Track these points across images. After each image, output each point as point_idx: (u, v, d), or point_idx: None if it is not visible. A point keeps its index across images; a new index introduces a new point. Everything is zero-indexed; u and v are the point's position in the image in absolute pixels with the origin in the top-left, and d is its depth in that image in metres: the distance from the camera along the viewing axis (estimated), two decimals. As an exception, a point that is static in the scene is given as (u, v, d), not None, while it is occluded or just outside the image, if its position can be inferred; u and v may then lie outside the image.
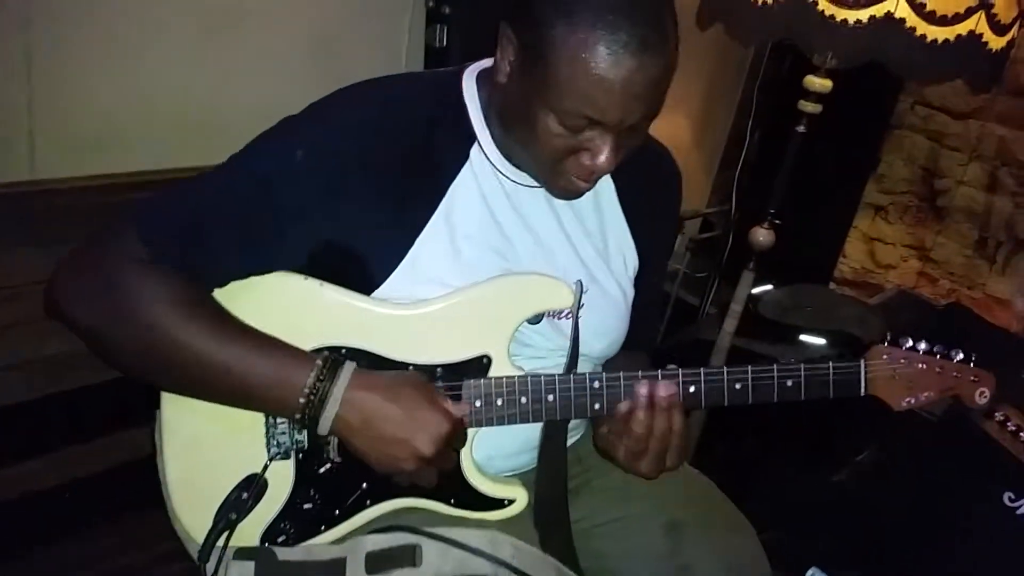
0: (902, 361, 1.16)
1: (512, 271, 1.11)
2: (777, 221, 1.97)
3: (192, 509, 1.07)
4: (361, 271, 1.06)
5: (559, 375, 1.10)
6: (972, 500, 1.74)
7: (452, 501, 1.12)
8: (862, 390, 1.16)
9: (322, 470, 1.07)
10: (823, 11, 1.52)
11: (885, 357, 1.16)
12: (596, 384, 1.09)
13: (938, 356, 1.17)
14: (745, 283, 2.05)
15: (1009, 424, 1.20)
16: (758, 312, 2.29)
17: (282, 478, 1.07)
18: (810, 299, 2.40)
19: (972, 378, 1.17)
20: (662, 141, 1.27)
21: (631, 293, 1.24)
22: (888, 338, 1.17)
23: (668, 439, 1.08)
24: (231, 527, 1.03)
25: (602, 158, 1.00)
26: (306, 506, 1.09)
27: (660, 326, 1.46)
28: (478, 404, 1.08)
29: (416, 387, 1.02)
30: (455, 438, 1.04)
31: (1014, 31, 1.60)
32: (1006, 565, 1.65)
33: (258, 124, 1.07)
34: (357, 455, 1.02)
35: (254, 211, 1.01)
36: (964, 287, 2.76)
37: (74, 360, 1.39)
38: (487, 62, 1.14)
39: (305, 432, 1.07)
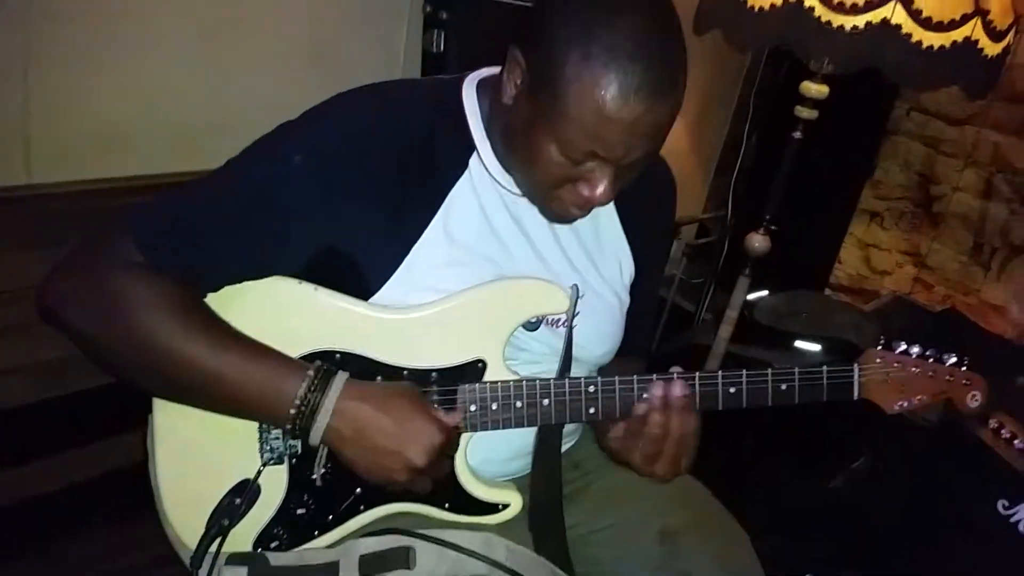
0: (895, 365, 1.16)
1: (507, 276, 1.11)
2: (773, 227, 1.97)
3: (184, 515, 1.06)
4: (357, 277, 1.06)
5: (554, 379, 1.10)
6: (966, 508, 1.74)
7: (447, 506, 1.12)
8: (855, 394, 1.17)
9: (315, 476, 1.07)
10: (820, 17, 1.52)
11: (878, 361, 1.17)
12: (591, 388, 1.09)
13: (931, 360, 1.18)
14: (741, 289, 2.05)
15: (1003, 432, 1.21)
16: (754, 318, 2.29)
17: (275, 483, 1.07)
18: (806, 305, 2.41)
19: (964, 381, 1.17)
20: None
21: (626, 300, 1.24)
22: (882, 342, 1.17)
23: (684, 441, 1.08)
24: (224, 533, 1.02)
25: (600, 190, 1.00)
26: (299, 511, 1.08)
27: (655, 333, 1.46)
28: (473, 408, 1.08)
29: (408, 397, 1.02)
30: (448, 447, 1.03)
31: (1009, 38, 1.60)
32: (1001, 573, 1.65)
33: (256, 129, 1.07)
34: (349, 465, 1.01)
35: (251, 215, 1.01)
36: (959, 293, 2.76)
37: (70, 364, 1.39)
38: (487, 71, 1.14)
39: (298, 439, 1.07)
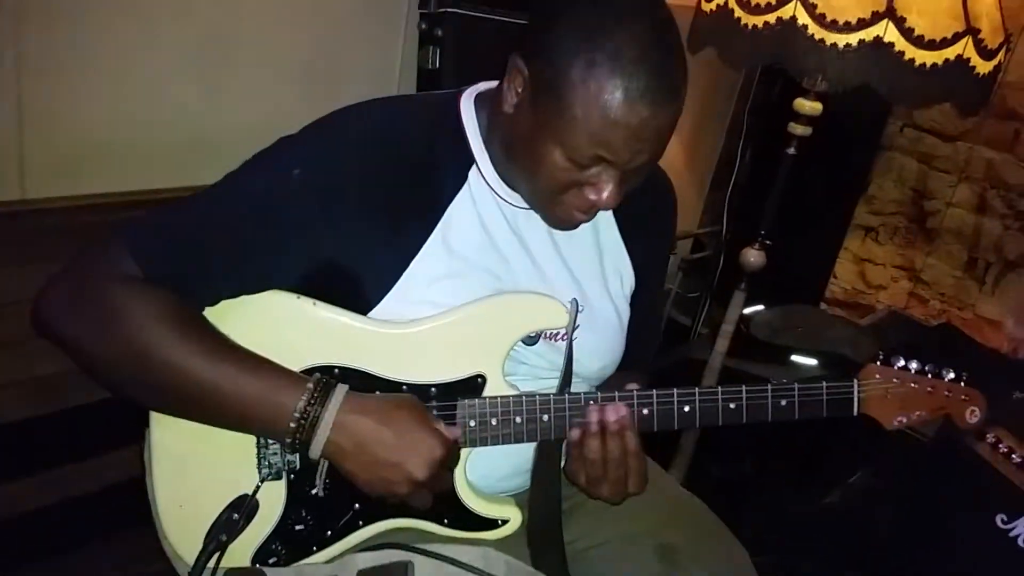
0: (894, 380, 1.17)
1: (506, 290, 1.11)
2: (768, 242, 1.98)
3: (182, 530, 1.06)
4: (356, 291, 1.06)
5: (554, 395, 1.10)
6: (965, 522, 1.73)
7: (445, 521, 1.11)
8: (855, 409, 1.17)
9: (314, 491, 1.07)
10: (813, 35, 1.53)
11: (878, 376, 1.17)
12: (591, 404, 1.09)
13: (929, 375, 1.18)
14: (736, 303, 2.06)
15: (1001, 446, 1.21)
16: (750, 333, 2.30)
17: (273, 499, 1.07)
18: (801, 320, 2.41)
19: (963, 397, 1.18)
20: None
21: (627, 313, 1.25)
22: (881, 357, 1.18)
23: (625, 463, 1.08)
24: (222, 548, 1.01)
25: (606, 194, 1.01)
26: (298, 527, 1.08)
27: (656, 346, 1.46)
28: (472, 424, 1.08)
29: (409, 410, 1.02)
30: (449, 460, 1.03)
31: (1000, 56, 1.62)
32: (999, 587, 1.65)
33: (252, 146, 1.07)
34: (349, 479, 1.01)
35: (249, 229, 1.01)
36: (954, 308, 2.77)
37: (66, 379, 1.38)
38: (483, 85, 1.15)
39: (297, 453, 1.07)
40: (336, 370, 1.05)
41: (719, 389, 1.12)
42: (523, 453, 1.15)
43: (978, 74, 1.58)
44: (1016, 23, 1.68)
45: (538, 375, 1.16)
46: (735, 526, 1.27)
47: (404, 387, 1.07)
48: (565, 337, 1.13)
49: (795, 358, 2.23)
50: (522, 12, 1.86)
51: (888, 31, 1.50)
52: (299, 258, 1.04)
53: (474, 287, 1.09)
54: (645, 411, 1.11)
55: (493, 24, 1.85)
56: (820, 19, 1.52)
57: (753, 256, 1.98)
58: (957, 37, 1.52)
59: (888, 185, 2.87)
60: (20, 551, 1.45)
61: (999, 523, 1.64)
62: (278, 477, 1.07)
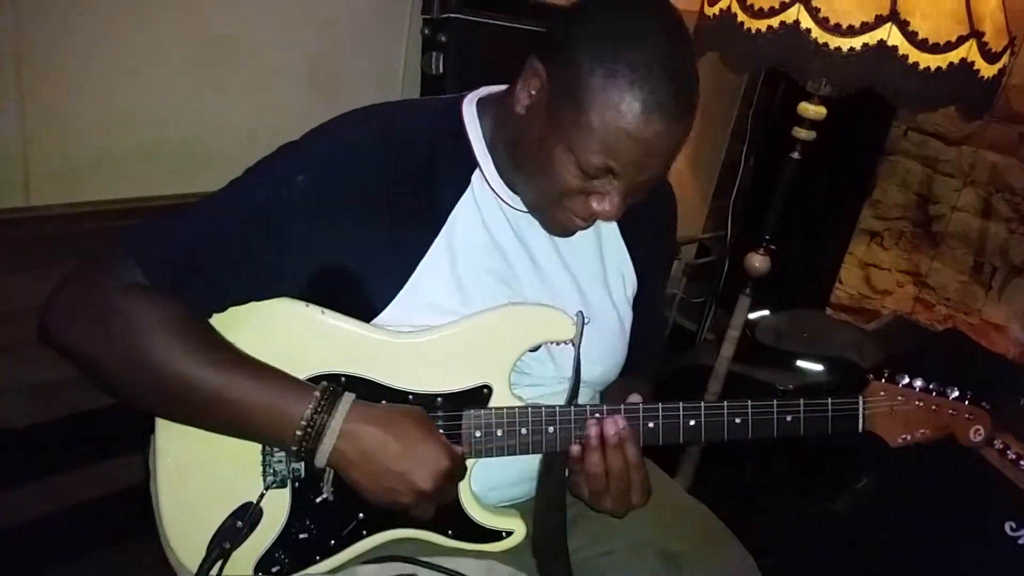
0: (899, 398, 1.17)
1: (513, 299, 1.11)
2: (772, 247, 1.97)
3: (185, 537, 1.06)
4: (362, 297, 1.05)
5: (559, 406, 1.09)
6: (972, 529, 1.72)
7: (450, 532, 1.11)
8: (860, 426, 1.17)
9: (318, 499, 1.06)
10: (816, 39, 1.53)
11: (882, 394, 1.17)
12: (597, 416, 1.08)
13: (934, 393, 1.18)
14: (741, 309, 2.05)
15: (1009, 452, 1.20)
16: (755, 338, 2.29)
17: (278, 507, 1.06)
18: (807, 325, 2.40)
19: (967, 416, 1.18)
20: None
21: (629, 316, 1.24)
22: (885, 374, 1.18)
23: (626, 476, 1.07)
24: (225, 556, 1.01)
25: (608, 205, 1.02)
26: (301, 536, 1.07)
27: (662, 348, 1.46)
28: (478, 434, 1.07)
29: (416, 420, 1.01)
30: (455, 473, 1.03)
31: (1005, 59, 1.61)
32: (1008, 594, 1.63)
33: (255, 152, 1.07)
34: (354, 488, 1.00)
35: (254, 236, 1.01)
36: (960, 312, 2.76)
37: (70, 385, 1.38)
38: (486, 90, 1.15)
39: (302, 461, 1.06)
40: (343, 378, 1.04)
41: (725, 404, 1.12)
42: (528, 460, 1.14)
43: (982, 77, 1.58)
44: (1020, 26, 1.67)
45: (540, 383, 1.16)
46: (741, 532, 1.26)
47: (410, 396, 1.06)
48: (568, 344, 1.13)
49: (801, 363, 2.21)
50: (525, 18, 1.87)
51: (892, 35, 1.50)
52: (304, 264, 1.03)
53: (479, 291, 1.09)
54: (651, 424, 1.10)
55: (496, 29, 1.85)
56: (823, 23, 1.51)
57: (758, 261, 1.97)
58: (961, 40, 1.51)
59: (893, 189, 2.87)
60: (23, 558, 1.45)
61: (1007, 530, 1.63)
62: (283, 485, 1.06)
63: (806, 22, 1.53)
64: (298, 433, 0.96)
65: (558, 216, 1.06)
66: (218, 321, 1.02)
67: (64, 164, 1.50)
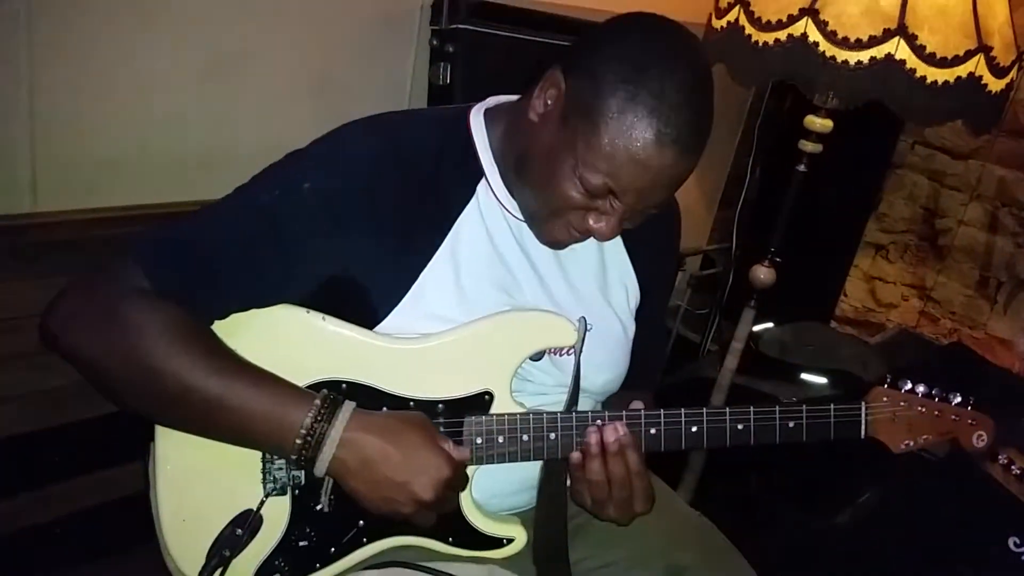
0: (902, 404, 1.17)
1: (516, 307, 1.11)
2: (778, 259, 1.97)
3: (185, 545, 1.05)
4: (365, 305, 1.06)
5: (561, 413, 1.09)
6: (976, 545, 1.71)
7: (450, 540, 1.11)
8: (863, 432, 1.17)
9: (319, 507, 1.06)
10: (824, 52, 1.53)
11: (885, 399, 1.17)
12: (598, 423, 1.08)
13: (937, 399, 1.18)
14: (746, 321, 2.05)
15: (1013, 467, 1.20)
16: (759, 350, 2.28)
17: (278, 514, 1.06)
18: (811, 338, 2.40)
19: (970, 421, 1.18)
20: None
21: (632, 327, 1.24)
22: (888, 380, 1.17)
23: (628, 483, 1.07)
24: (225, 564, 1.01)
25: (604, 225, 1.03)
26: (301, 543, 1.07)
27: (662, 363, 1.45)
28: (479, 441, 1.07)
29: (417, 428, 1.01)
30: (456, 482, 1.02)
31: (1013, 73, 1.61)
32: (1013, 611, 1.62)
33: (262, 160, 1.07)
34: (354, 497, 1.00)
35: (258, 243, 1.01)
36: (966, 327, 2.75)
37: (73, 392, 1.38)
38: (494, 100, 1.15)
39: (302, 470, 1.06)
40: (344, 385, 1.04)
41: (727, 409, 1.11)
42: (530, 468, 1.14)
43: (990, 92, 1.57)
44: (1029, 41, 1.67)
45: (543, 391, 1.15)
46: (743, 546, 1.26)
47: (411, 403, 1.06)
48: (570, 353, 1.13)
49: (805, 376, 2.21)
50: (533, 29, 1.87)
51: (899, 48, 1.50)
52: (308, 271, 1.04)
53: (482, 300, 1.09)
54: (652, 431, 1.10)
55: (504, 40, 1.86)
56: (831, 36, 1.51)
57: (763, 273, 1.97)
58: (969, 55, 1.51)
59: (899, 203, 2.86)
60: (22, 565, 1.44)
61: (1012, 546, 1.62)
62: (283, 493, 1.06)
63: (814, 35, 1.53)
64: (298, 442, 0.96)
65: (553, 229, 1.06)
66: (219, 327, 1.02)
67: (72, 171, 1.50)
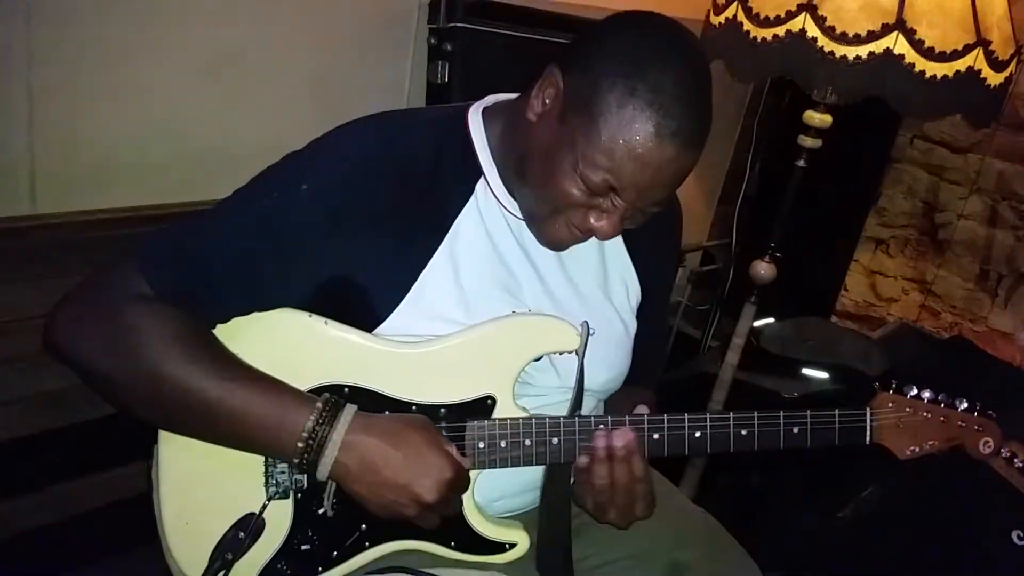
0: (907, 410, 1.16)
1: (516, 307, 1.11)
2: (778, 254, 1.97)
3: (187, 548, 1.05)
4: (365, 306, 1.05)
5: (563, 418, 1.09)
6: (980, 538, 1.71)
7: (453, 544, 1.10)
8: (868, 438, 1.16)
9: (321, 511, 1.06)
10: (823, 48, 1.53)
11: (891, 405, 1.16)
12: (601, 428, 1.08)
13: (943, 404, 1.17)
14: (747, 316, 2.04)
15: (1016, 461, 1.19)
16: (760, 345, 2.28)
17: (280, 518, 1.06)
18: (812, 332, 2.40)
19: (976, 427, 1.17)
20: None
21: (633, 325, 1.24)
22: (893, 385, 1.17)
23: (632, 488, 1.07)
24: (227, 567, 1.01)
25: (605, 223, 1.02)
26: (304, 547, 1.07)
27: (663, 361, 1.45)
28: (481, 446, 1.07)
29: (419, 431, 1.01)
30: (458, 484, 1.02)
31: (1011, 67, 1.61)
32: (1016, 605, 1.62)
33: (261, 161, 1.07)
34: (357, 500, 1.00)
35: (258, 246, 1.01)
36: (966, 320, 2.75)
37: (72, 396, 1.38)
38: (492, 99, 1.15)
39: (305, 473, 1.06)
40: (346, 389, 1.04)
41: (731, 415, 1.11)
42: (533, 470, 1.14)
43: (989, 85, 1.57)
44: (1027, 34, 1.67)
45: (543, 393, 1.15)
46: (746, 542, 1.26)
47: (414, 407, 1.06)
48: (572, 355, 1.12)
49: (806, 371, 2.21)
50: (531, 27, 1.87)
51: (898, 43, 1.49)
52: (308, 273, 1.03)
53: (482, 300, 1.09)
54: (656, 436, 1.10)
55: (502, 39, 1.85)
56: (830, 31, 1.51)
57: (763, 268, 1.97)
58: (968, 49, 1.51)
59: (899, 197, 2.86)
60: (25, 567, 1.44)
61: (1015, 539, 1.62)
62: (285, 496, 1.06)
63: (812, 31, 1.53)
64: (299, 445, 0.96)
65: (554, 228, 1.06)
66: (221, 331, 1.02)
67: (71, 172, 1.50)
